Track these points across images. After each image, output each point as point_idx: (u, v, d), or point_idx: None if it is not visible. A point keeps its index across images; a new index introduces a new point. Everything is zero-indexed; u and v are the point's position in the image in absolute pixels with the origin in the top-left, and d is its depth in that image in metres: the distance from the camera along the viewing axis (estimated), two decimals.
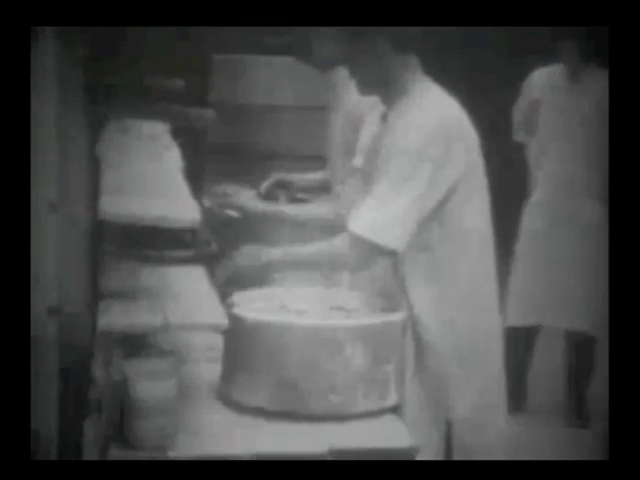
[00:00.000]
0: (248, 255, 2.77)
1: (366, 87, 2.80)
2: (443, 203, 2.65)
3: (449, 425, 2.74)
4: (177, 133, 3.38)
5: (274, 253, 2.75)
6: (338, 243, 2.68)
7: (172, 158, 2.97)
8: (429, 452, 2.65)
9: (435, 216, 2.65)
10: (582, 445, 4.64)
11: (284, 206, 3.54)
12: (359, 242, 2.63)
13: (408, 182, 2.61)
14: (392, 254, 2.66)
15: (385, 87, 2.76)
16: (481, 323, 2.77)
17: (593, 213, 4.92)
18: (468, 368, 2.74)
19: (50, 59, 1.84)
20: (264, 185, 3.66)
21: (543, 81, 5.05)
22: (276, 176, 3.71)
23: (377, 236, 2.62)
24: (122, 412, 2.24)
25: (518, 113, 5.21)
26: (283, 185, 3.69)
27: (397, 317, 2.58)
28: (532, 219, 5.10)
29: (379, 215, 2.62)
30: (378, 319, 2.57)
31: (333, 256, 2.71)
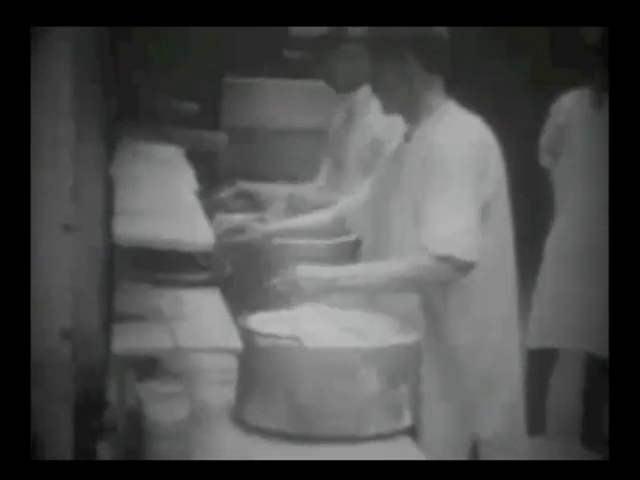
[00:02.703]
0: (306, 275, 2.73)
1: (391, 106, 2.84)
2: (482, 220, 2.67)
3: (475, 449, 2.74)
4: (191, 156, 3.39)
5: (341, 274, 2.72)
6: (416, 263, 2.65)
7: (186, 181, 2.97)
8: None
9: None
10: None
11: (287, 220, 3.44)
12: (440, 262, 2.61)
13: (464, 195, 2.63)
14: (471, 267, 2.64)
15: (411, 106, 2.80)
16: (506, 347, 2.79)
17: None
18: (495, 393, 2.74)
19: (51, 62, 1.82)
20: (226, 192, 3.64)
21: (569, 105, 5.03)
22: (239, 186, 3.73)
23: (458, 252, 2.60)
24: (136, 434, 2.24)
25: (545, 138, 5.19)
26: (245, 195, 3.69)
27: (412, 339, 2.58)
28: (556, 243, 5.07)
29: (452, 232, 2.61)
30: (392, 341, 2.57)
31: (418, 278, 2.67)
